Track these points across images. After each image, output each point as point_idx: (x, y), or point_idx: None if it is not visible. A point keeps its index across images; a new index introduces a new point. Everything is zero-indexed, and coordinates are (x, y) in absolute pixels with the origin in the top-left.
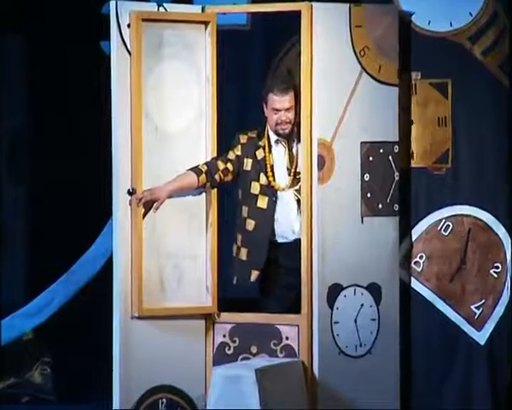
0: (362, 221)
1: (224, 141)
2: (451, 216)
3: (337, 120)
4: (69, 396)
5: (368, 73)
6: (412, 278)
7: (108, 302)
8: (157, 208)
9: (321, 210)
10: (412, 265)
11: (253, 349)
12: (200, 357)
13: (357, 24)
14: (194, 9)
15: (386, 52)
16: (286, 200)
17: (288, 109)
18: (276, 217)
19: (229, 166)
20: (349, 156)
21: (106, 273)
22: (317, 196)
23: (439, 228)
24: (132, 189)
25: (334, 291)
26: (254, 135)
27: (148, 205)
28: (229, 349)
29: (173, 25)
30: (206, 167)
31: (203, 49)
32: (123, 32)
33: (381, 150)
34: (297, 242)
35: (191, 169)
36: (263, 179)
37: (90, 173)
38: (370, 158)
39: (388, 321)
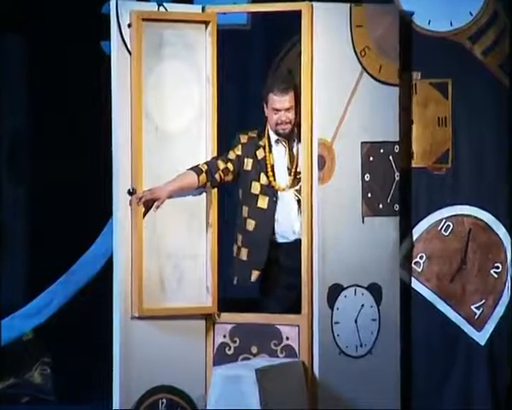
0: (362, 221)
1: (225, 141)
2: (452, 216)
3: (338, 120)
4: (69, 397)
5: (368, 73)
6: (412, 279)
7: (108, 302)
8: (157, 207)
9: (321, 210)
10: (412, 265)
11: (254, 349)
12: (200, 357)
13: (357, 24)
14: (195, 9)
15: (386, 52)
16: (286, 200)
17: (288, 109)
18: (276, 217)
19: (230, 165)
20: (349, 156)
21: (106, 273)
22: (317, 196)
23: (439, 228)
24: (132, 189)
25: (335, 291)
26: (255, 135)
27: (149, 205)
28: (229, 349)
29: (174, 24)
30: (206, 167)
31: (203, 49)
32: (123, 31)
33: (382, 150)
34: (297, 242)
35: (191, 169)
36: (263, 179)
37: (90, 173)
38: (371, 158)
39: (389, 321)
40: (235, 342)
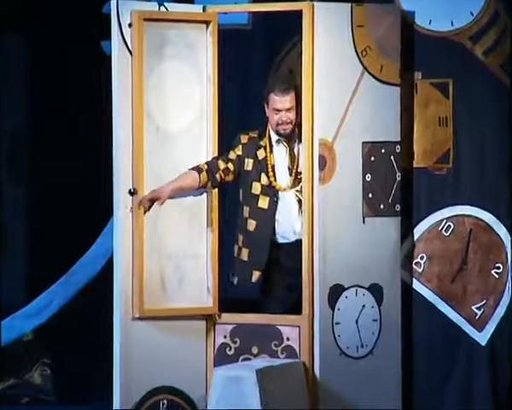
0: (363, 222)
1: (226, 141)
2: (452, 216)
3: (339, 120)
4: (69, 397)
5: (369, 73)
6: (413, 279)
7: (108, 303)
8: (162, 203)
9: (322, 210)
10: (413, 265)
11: (254, 350)
12: (200, 358)
13: (358, 24)
14: (196, 9)
15: (387, 52)
16: (287, 200)
17: (289, 109)
18: (277, 217)
19: (230, 165)
20: (350, 156)
21: (106, 274)
22: (318, 197)
23: (440, 228)
24: (133, 189)
25: (336, 292)
26: (255, 135)
27: (149, 205)
28: (229, 350)
29: (174, 24)
30: (206, 166)
31: (204, 49)
32: (124, 31)
33: (383, 150)
34: (298, 242)
35: (192, 168)
36: (264, 179)
37: (90, 173)
38: (372, 158)
39: (390, 322)
40: (235, 342)
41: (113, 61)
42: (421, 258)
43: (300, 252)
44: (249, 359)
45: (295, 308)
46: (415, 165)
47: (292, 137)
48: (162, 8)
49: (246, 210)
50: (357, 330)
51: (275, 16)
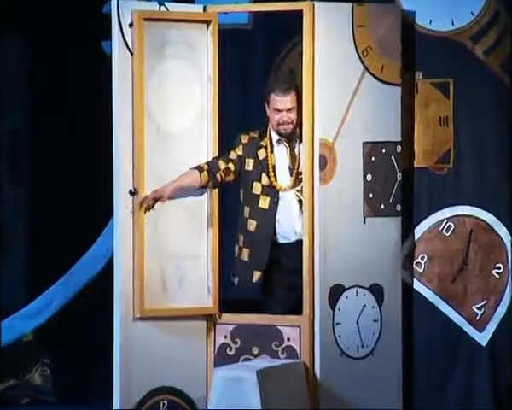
0: (364, 222)
1: (226, 141)
2: (453, 216)
3: (339, 120)
4: (69, 398)
5: (370, 73)
6: (414, 279)
7: (108, 303)
8: (164, 202)
9: (323, 210)
10: (414, 265)
11: (255, 350)
12: (201, 358)
13: (359, 23)
14: (196, 9)
15: (388, 52)
16: (288, 200)
17: (289, 110)
18: (277, 217)
19: (231, 165)
20: (351, 156)
21: (106, 274)
22: (318, 197)
23: (440, 228)
24: (134, 189)
25: (336, 292)
26: (256, 135)
27: (149, 202)
28: (230, 350)
29: (175, 24)
30: (207, 166)
31: (205, 49)
32: (124, 31)
33: (384, 150)
34: (299, 242)
35: (193, 168)
36: (264, 180)
37: (90, 173)
38: (373, 158)
39: (390, 322)
40: (236, 342)
41: (114, 61)
42: (422, 258)
43: (301, 252)
44: (250, 359)
45: (296, 309)
46: (415, 165)
47: (293, 137)
48: (162, 8)
49: (246, 210)
50: (357, 331)
51: (275, 16)
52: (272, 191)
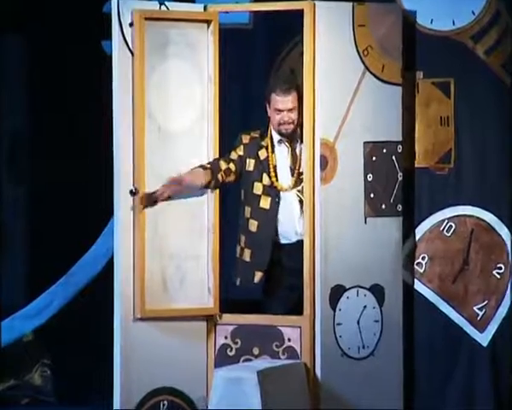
0: (365, 222)
1: (227, 141)
2: (454, 217)
3: (340, 120)
4: (69, 398)
5: (371, 73)
6: (415, 279)
7: (108, 303)
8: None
9: (324, 210)
10: (415, 266)
11: (255, 351)
12: (201, 359)
13: (360, 23)
14: (197, 8)
15: (389, 51)
16: (289, 200)
17: (290, 110)
18: (278, 217)
19: (232, 166)
20: (352, 156)
21: (106, 274)
22: (319, 197)
23: (441, 229)
24: (135, 189)
25: (337, 292)
26: (257, 135)
27: (152, 199)
28: (230, 351)
29: (175, 23)
30: (209, 166)
31: (205, 48)
32: (124, 31)
33: (385, 150)
34: (300, 243)
35: (197, 167)
36: (266, 180)
37: (90, 173)
38: (373, 158)
39: (391, 323)
40: (236, 343)
41: (114, 60)
42: (423, 258)
43: (302, 252)
44: (250, 360)
45: (297, 309)
46: (416, 165)
47: (294, 137)
48: (163, 8)
49: (247, 210)
50: (358, 331)
51: (276, 15)
52: (273, 191)
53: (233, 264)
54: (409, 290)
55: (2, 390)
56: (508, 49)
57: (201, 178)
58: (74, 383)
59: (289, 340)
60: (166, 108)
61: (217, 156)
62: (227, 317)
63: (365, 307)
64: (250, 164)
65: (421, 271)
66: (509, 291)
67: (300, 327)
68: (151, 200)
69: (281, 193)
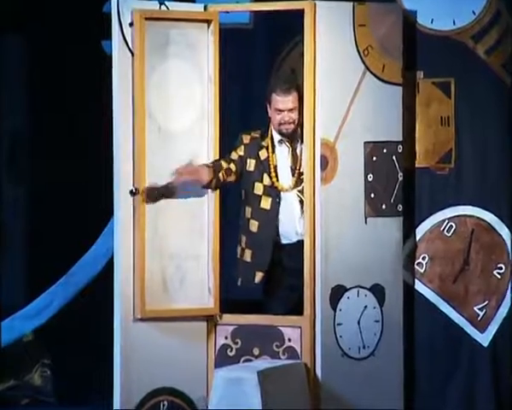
0: (365, 222)
1: (227, 141)
2: (454, 217)
3: (340, 120)
4: (69, 398)
5: (371, 73)
6: (415, 279)
7: (108, 304)
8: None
9: (324, 211)
10: (415, 266)
11: (255, 351)
12: (201, 359)
13: (360, 23)
14: (197, 8)
15: (389, 51)
16: (289, 200)
17: (291, 110)
18: (279, 218)
19: (232, 166)
20: (352, 156)
21: (106, 274)
22: (320, 197)
23: (441, 229)
24: (135, 189)
25: (337, 293)
26: (257, 135)
27: (154, 195)
28: (230, 351)
29: (176, 23)
30: (212, 165)
31: (205, 48)
32: (124, 31)
33: (385, 150)
34: (300, 243)
35: (200, 165)
36: (266, 180)
37: (90, 173)
38: (374, 158)
39: (392, 323)
40: (236, 343)
41: (114, 60)
42: (423, 258)
43: (302, 253)
44: (250, 360)
45: (297, 309)
46: (417, 165)
47: (294, 137)
48: (163, 8)
49: (248, 211)
50: (358, 331)
51: (276, 15)
52: (274, 192)
53: (233, 264)
54: (409, 290)
55: (2, 390)
56: (508, 49)
57: (206, 175)
58: (74, 383)
59: (289, 340)
60: (167, 108)
61: (217, 156)
62: (227, 317)
63: (366, 307)
64: (250, 164)
65: (422, 271)
66: (509, 291)
67: (301, 327)
68: (154, 195)
69: (281, 193)
